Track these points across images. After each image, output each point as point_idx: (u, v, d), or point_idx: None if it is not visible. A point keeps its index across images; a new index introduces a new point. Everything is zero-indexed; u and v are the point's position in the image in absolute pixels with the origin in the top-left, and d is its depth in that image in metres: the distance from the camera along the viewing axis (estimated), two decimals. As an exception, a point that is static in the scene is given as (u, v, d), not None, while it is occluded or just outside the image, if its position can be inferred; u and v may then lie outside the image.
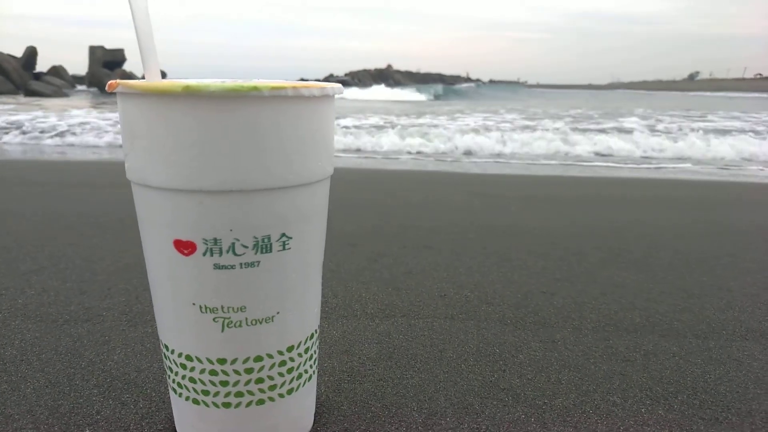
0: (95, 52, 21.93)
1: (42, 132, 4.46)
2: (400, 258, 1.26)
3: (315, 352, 0.58)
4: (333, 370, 0.75)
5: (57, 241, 1.32)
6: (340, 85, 0.49)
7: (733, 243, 1.46)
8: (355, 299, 1.01)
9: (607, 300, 1.03)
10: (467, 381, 0.73)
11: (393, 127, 5.34)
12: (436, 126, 5.61)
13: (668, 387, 0.72)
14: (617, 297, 1.05)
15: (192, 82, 0.41)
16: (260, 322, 0.50)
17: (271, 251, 0.47)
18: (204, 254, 0.46)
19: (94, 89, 18.35)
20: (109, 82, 0.44)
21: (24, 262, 1.16)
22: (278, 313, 0.50)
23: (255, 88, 0.41)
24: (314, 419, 0.63)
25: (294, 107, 0.44)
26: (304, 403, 0.58)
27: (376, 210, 1.81)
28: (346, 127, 5.24)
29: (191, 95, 0.41)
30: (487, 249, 1.35)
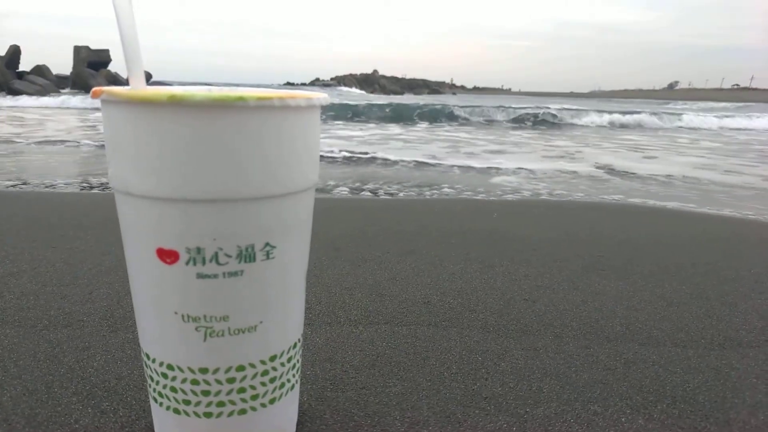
0: (80, 51, 21.71)
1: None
2: (384, 263, 1.26)
3: (298, 361, 0.57)
4: (316, 378, 0.75)
5: (37, 244, 1.30)
6: (326, 95, 0.49)
7: (711, 252, 1.49)
8: (338, 305, 1.01)
9: (588, 308, 1.04)
10: (450, 389, 0.73)
11: None
12: None
13: (648, 396, 0.73)
14: (598, 305, 1.06)
15: (177, 90, 0.41)
16: (243, 332, 0.49)
17: (254, 260, 0.47)
18: (187, 263, 0.45)
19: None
20: (93, 89, 0.43)
21: (2, 265, 1.14)
22: (261, 322, 0.50)
23: (241, 99, 0.41)
24: (296, 428, 0.62)
25: (280, 118, 0.44)
26: (286, 412, 0.58)
27: (360, 213, 1.81)
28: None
29: (176, 104, 0.40)
30: (470, 255, 1.36)
